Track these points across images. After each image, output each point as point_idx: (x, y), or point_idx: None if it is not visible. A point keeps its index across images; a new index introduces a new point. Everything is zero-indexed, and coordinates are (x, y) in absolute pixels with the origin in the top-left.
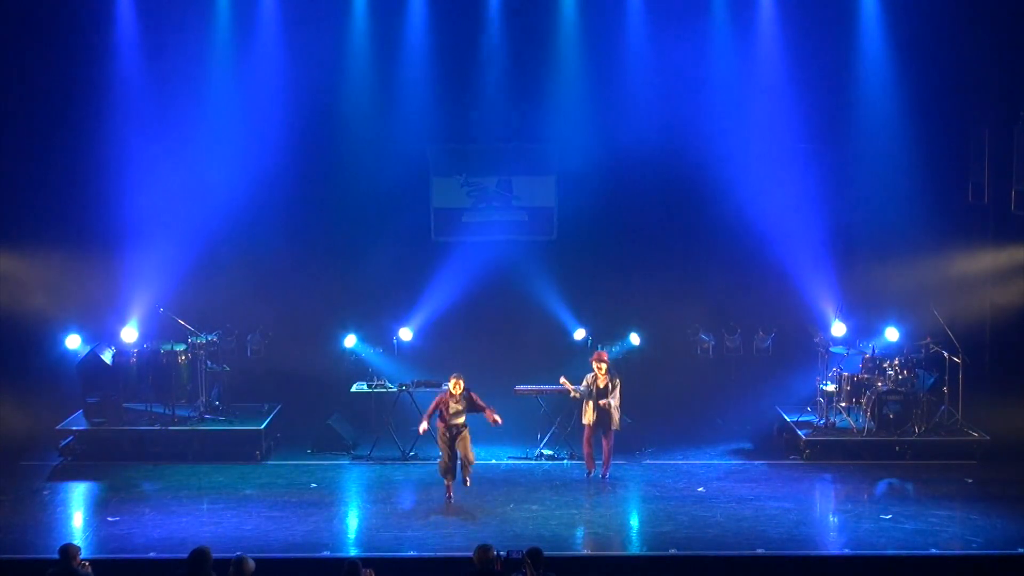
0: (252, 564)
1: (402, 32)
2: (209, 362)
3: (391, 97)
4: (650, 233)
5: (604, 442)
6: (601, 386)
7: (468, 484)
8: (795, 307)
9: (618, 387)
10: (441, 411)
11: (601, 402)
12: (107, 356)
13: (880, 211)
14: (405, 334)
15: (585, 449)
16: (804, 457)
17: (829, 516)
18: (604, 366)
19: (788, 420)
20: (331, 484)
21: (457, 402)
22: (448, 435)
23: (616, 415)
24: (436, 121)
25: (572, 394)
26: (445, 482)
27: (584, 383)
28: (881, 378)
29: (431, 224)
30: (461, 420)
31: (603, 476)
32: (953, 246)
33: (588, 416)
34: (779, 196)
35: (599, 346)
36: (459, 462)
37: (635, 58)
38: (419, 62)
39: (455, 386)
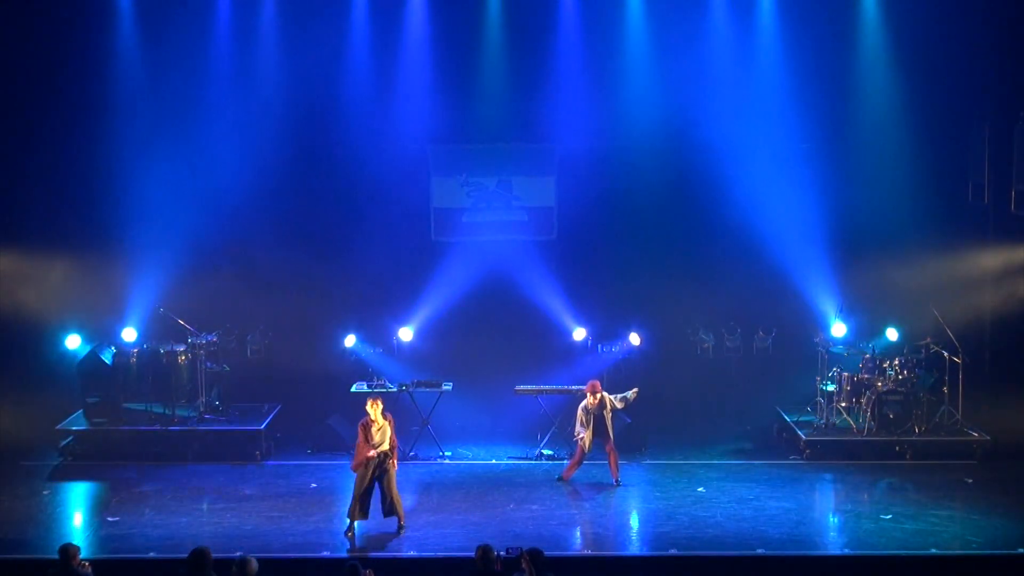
0: (255, 564)
1: (402, 32)
2: (209, 362)
3: (391, 97)
4: (650, 233)
5: (610, 452)
6: (596, 413)
7: (404, 529)
8: (795, 307)
9: (613, 405)
10: (364, 436)
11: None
12: (107, 356)
13: (880, 211)
14: (405, 334)
15: (572, 467)
16: (804, 457)
17: (829, 516)
18: (597, 396)
19: (788, 420)
20: (331, 484)
21: (379, 428)
22: (368, 464)
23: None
24: (436, 121)
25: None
26: (349, 520)
27: (580, 414)
28: (881, 378)
29: (431, 224)
30: (385, 447)
31: (616, 482)
32: (953, 246)
33: (587, 445)
34: (779, 196)
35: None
36: (386, 502)
37: (635, 58)
38: (419, 62)
39: (372, 407)
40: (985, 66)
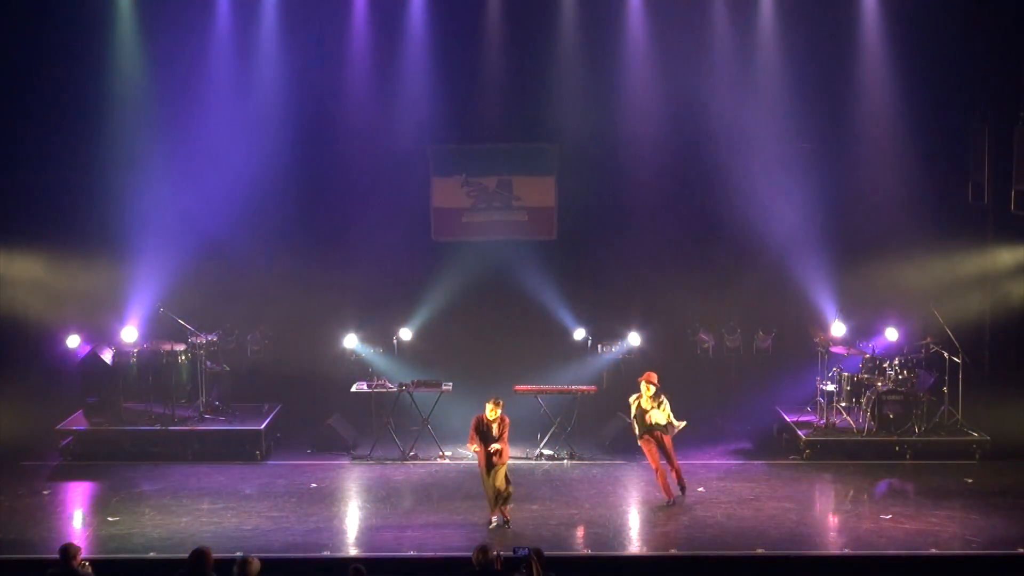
0: (257, 564)
1: (402, 32)
2: (209, 362)
3: (391, 97)
4: (650, 233)
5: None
6: (648, 408)
7: (508, 521)
8: (795, 307)
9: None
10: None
11: (662, 436)
12: (107, 356)
13: (880, 211)
14: (405, 334)
15: (658, 479)
16: (804, 457)
17: (829, 516)
18: (653, 388)
19: (788, 420)
20: (331, 484)
21: (494, 424)
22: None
23: (675, 425)
24: (436, 121)
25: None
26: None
27: (633, 407)
28: (881, 378)
29: (431, 224)
30: (495, 447)
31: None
32: (953, 246)
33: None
34: (779, 196)
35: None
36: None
37: (635, 58)
38: (419, 62)
39: (491, 410)
40: (985, 66)
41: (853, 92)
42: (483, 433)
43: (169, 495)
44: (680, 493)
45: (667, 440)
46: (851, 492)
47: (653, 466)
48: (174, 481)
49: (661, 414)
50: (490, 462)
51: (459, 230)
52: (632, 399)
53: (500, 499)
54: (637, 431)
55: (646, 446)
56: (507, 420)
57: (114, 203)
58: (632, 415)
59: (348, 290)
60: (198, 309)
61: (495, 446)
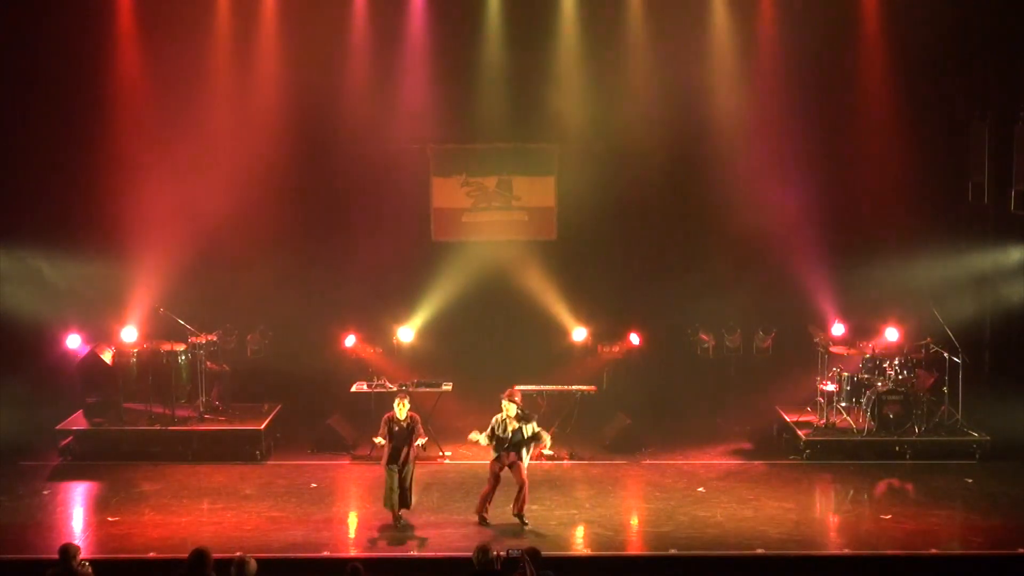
0: (255, 564)
1: (402, 32)
2: (209, 362)
3: (391, 97)
4: (650, 233)
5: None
6: (510, 432)
7: (399, 522)
8: (795, 307)
9: (537, 439)
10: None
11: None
12: (107, 356)
13: (880, 211)
14: (405, 334)
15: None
16: (804, 457)
17: (829, 516)
18: (514, 408)
19: (788, 420)
20: (331, 484)
21: (406, 425)
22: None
23: (525, 464)
24: (436, 121)
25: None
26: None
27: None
28: (881, 378)
29: (431, 224)
30: (421, 442)
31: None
32: (953, 246)
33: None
34: (779, 196)
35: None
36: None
37: (636, 58)
38: (419, 61)
39: (399, 409)
40: (985, 66)
41: (853, 92)
42: (395, 433)
43: (169, 495)
44: (519, 520)
45: (521, 466)
46: (851, 492)
47: (487, 488)
48: (174, 481)
49: (521, 436)
50: (397, 457)
51: (459, 230)
52: (496, 420)
53: (404, 499)
54: (494, 450)
55: (494, 465)
56: (417, 417)
57: (114, 203)
58: (488, 434)
59: (348, 290)
60: (198, 309)
61: (421, 441)
